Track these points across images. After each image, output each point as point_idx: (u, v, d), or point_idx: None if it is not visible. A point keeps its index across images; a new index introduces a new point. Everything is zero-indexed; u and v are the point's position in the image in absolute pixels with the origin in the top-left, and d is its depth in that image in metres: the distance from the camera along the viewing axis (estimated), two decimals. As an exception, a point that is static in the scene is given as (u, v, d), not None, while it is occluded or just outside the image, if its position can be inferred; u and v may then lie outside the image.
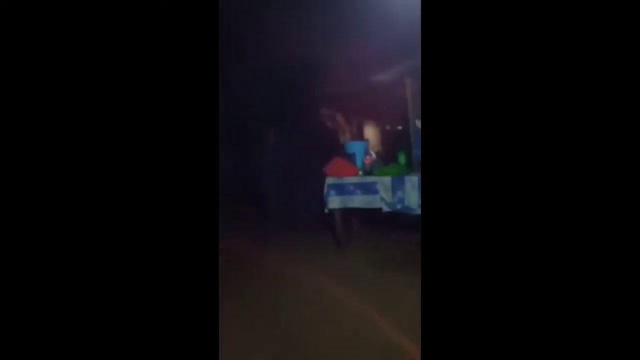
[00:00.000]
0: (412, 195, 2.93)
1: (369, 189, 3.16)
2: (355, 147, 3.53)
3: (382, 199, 3.08)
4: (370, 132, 4.99)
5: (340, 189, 3.28)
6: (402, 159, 3.29)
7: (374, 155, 3.48)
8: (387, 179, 3.06)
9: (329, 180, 3.31)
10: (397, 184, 3.01)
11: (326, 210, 3.32)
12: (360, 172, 3.33)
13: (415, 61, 3.56)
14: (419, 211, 2.90)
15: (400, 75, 3.70)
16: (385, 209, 3.07)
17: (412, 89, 3.65)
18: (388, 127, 4.86)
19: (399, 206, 3.00)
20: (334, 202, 3.27)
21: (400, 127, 4.44)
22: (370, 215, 3.39)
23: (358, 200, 3.21)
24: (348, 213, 3.44)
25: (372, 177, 3.19)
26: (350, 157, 3.43)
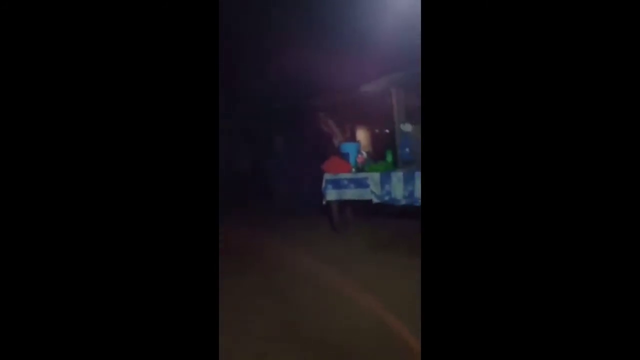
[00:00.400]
0: (397, 188, 2.91)
1: (361, 183, 3.15)
2: (349, 147, 3.52)
3: (372, 191, 3.06)
4: (362, 135, 4.95)
5: (337, 184, 3.28)
6: (389, 157, 3.28)
7: (365, 154, 3.45)
8: (376, 175, 3.04)
9: (327, 176, 3.31)
10: (385, 179, 2.99)
11: (324, 202, 3.32)
12: (353, 169, 3.32)
13: (400, 74, 3.53)
14: (403, 202, 2.88)
15: (387, 86, 3.65)
16: (375, 200, 3.05)
17: (397, 97, 3.60)
18: (377, 131, 4.82)
19: (386, 198, 2.98)
20: (331, 194, 3.29)
21: (387, 131, 4.39)
22: (362, 206, 3.35)
23: (351, 193, 3.20)
24: (343, 204, 3.42)
25: (364, 173, 3.18)
26: (345, 156, 3.43)
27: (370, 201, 3.07)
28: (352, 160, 3.38)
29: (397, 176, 2.91)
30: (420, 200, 2.73)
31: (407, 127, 3.26)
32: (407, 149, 3.23)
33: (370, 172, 3.10)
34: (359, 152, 3.44)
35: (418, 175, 2.74)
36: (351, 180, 3.20)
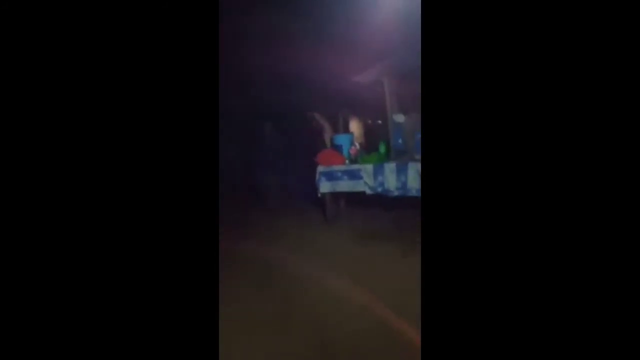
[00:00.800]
0: (390, 180, 2.94)
1: (354, 175, 3.17)
2: (341, 139, 3.53)
3: (365, 183, 3.09)
4: (355, 126, 4.95)
5: (330, 176, 3.29)
6: (382, 148, 3.29)
7: (358, 146, 3.46)
8: (370, 166, 3.06)
9: (320, 168, 3.31)
10: (378, 170, 3.01)
11: (319, 194, 3.33)
12: (347, 161, 3.33)
13: (392, 63, 3.52)
14: (396, 193, 2.91)
15: (379, 75, 3.64)
16: (368, 191, 3.08)
17: (389, 87, 3.61)
18: (370, 122, 4.82)
19: (379, 189, 3.01)
20: (325, 186, 3.30)
21: (380, 122, 4.40)
22: (355, 197, 3.38)
23: (345, 185, 3.22)
24: (337, 196, 3.44)
25: (357, 164, 3.20)
26: (338, 148, 3.43)
27: (363, 192, 3.10)
28: (345, 151, 3.39)
29: (390, 167, 2.94)
30: (412, 191, 2.77)
31: (400, 118, 3.28)
32: (399, 140, 3.26)
33: (363, 164, 3.13)
34: (352, 143, 3.45)
35: (411, 166, 2.77)
36: (344, 172, 3.22)
